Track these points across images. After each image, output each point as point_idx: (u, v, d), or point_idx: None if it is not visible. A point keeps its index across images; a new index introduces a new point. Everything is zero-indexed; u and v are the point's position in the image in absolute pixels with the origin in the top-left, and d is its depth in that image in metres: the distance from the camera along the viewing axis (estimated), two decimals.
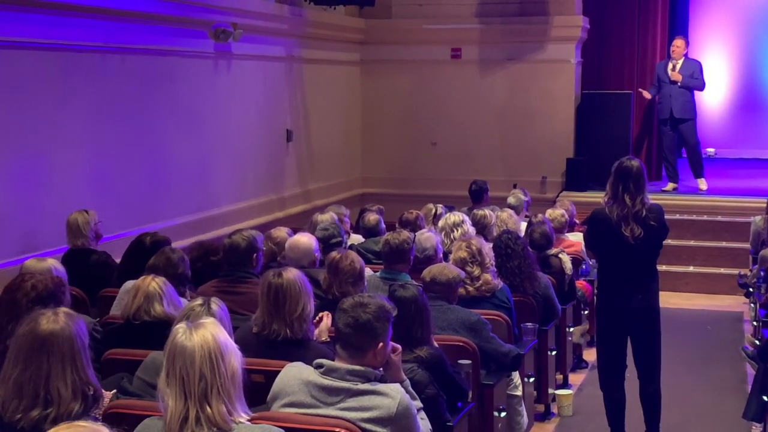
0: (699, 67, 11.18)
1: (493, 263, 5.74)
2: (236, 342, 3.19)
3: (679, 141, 11.36)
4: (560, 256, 6.91)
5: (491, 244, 6.05)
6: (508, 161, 11.88)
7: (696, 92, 11.27)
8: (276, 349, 4.06)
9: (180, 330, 2.90)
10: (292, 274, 4.18)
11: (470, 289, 5.50)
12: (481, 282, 5.53)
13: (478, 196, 9.19)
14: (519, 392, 5.42)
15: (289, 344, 4.08)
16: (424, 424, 3.64)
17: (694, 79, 11.04)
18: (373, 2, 10.46)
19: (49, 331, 3.06)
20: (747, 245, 9.25)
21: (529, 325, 5.61)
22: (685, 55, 11.18)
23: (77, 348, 3.09)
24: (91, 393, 3.09)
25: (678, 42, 11.21)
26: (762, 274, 7.55)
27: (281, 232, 6.42)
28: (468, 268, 5.51)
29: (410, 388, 3.68)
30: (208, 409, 2.82)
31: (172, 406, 2.82)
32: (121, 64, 7.49)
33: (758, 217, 8.71)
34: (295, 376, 3.47)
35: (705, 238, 10.47)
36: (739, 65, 14.53)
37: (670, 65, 11.10)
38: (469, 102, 11.96)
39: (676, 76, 10.92)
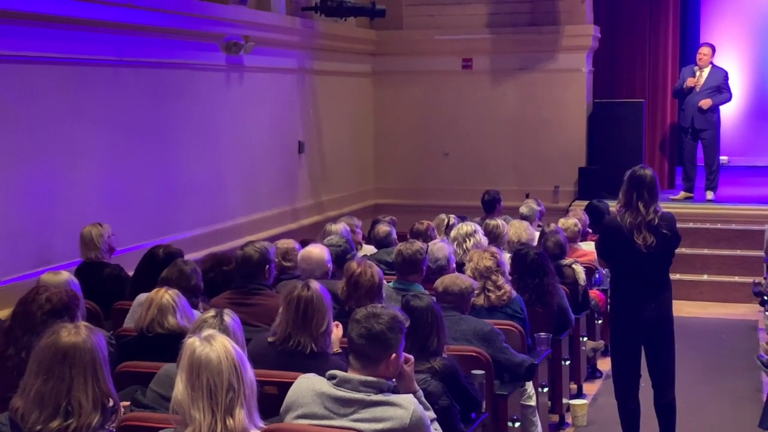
0: (725, 76, 11.00)
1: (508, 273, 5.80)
2: (250, 353, 3.21)
3: (699, 151, 11.25)
4: (574, 266, 6.90)
5: (509, 255, 6.09)
6: (520, 171, 11.88)
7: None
8: (294, 360, 4.07)
9: (197, 342, 2.91)
10: (317, 287, 4.21)
11: (492, 297, 5.53)
12: (503, 291, 5.56)
13: (490, 206, 9.19)
14: (533, 402, 5.41)
15: (308, 356, 4.10)
16: None
17: (720, 95, 10.88)
18: (384, 13, 10.48)
19: (71, 343, 3.09)
20: (761, 253, 9.21)
21: (543, 334, 5.60)
22: (712, 63, 11.09)
23: (98, 360, 3.11)
24: (110, 405, 3.11)
25: (704, 50, 11.06)
26: None
27: (287, 243, 6.42)
28: (493, 277, 5.57)
29: (423, 398, 3.68)
30: (230, 420, 2.83)
31: (199, 419, 2.83)
32: (134, 77, 7.53)
33: None
34: (308, 387, 3.47)
35: (719, 247, 10.42)
36: (752, 73, 14.48)
37: (697, 74, 10.95)
38: (481, 112, 11.97)
39: (705, 103, 10.75)
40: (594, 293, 7.32)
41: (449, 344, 4.54)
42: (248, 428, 2.86)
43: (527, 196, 9.92)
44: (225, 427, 2.82)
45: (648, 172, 5.35)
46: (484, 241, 6.79)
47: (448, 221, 7.96)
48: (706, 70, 11.00)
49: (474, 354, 4.72)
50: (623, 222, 5.29)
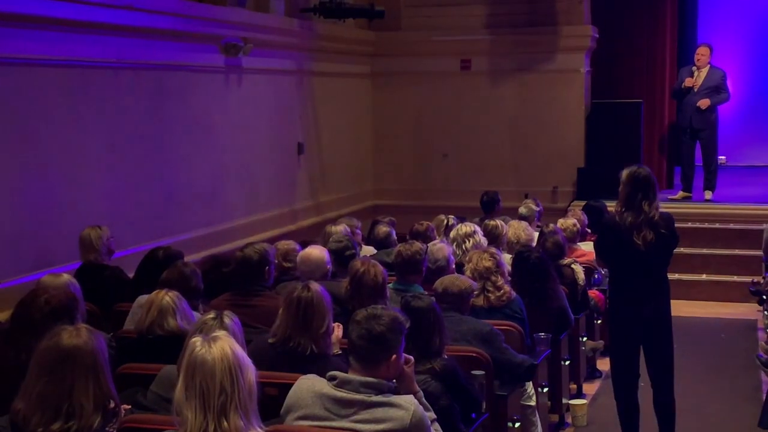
0: (723, 76, 10.96)
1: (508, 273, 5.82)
2: (251, 354, 3.21)
3: (698, 151, 11.25)
4: (573, 266, 6.92)
5: (509, 256, 6.09)
6: (519, 171, 11.89)
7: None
8: (295, 362, 4.08)
9: (197, 343, 2.92)
10: (317, 288, 4.22)
11: (492, 297, 5.54)
12: (502, 291, 5.57)
13: (489, 206, 9.21)
14: (533, 402, 5.42)
15: (308, 357, 4.11)
16: None
17: (719, 95, 10.86)
18: (382, 15, 10.49)
19: (72, 345, 3.10)
20: (760, 252, 9.22)
21: (542, 335, 5.61)
22: (710, 63, 11.02)
23: (99, 362, 3.12)
24: (111, 407, 3.12)
25: (702, 50, 11.01)
26: None
27: (287, 244, 6.44)
28: (493, 278, 5.58)
29: (424, 399, 3.69)
30: (225, 423, 2.83)
31: (191, 419, 2.83)
32: (133, 79, 7.54)
33: None
34: (308, 388, 3.47)
35: (717, 246, 10.43)
36: (750, 72, 14.49)
37: (695, 74, 10.92)
38: (480, 113, 11.97)
39: (704, 103, 10.74)
40: (593, 293, 7.33)
41: (449, 345, 4.55)
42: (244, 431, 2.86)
43: (526, 197, 9.93)
44: (219, 429, 2.82)
45: (647, 171, 5.39)
46: (484, 241, 6.80)
47: (448, 222, 7.97)
48: (704, 70, 10.98)
49: (474, 354, 4.73)
50: (623, 222, 5.29)
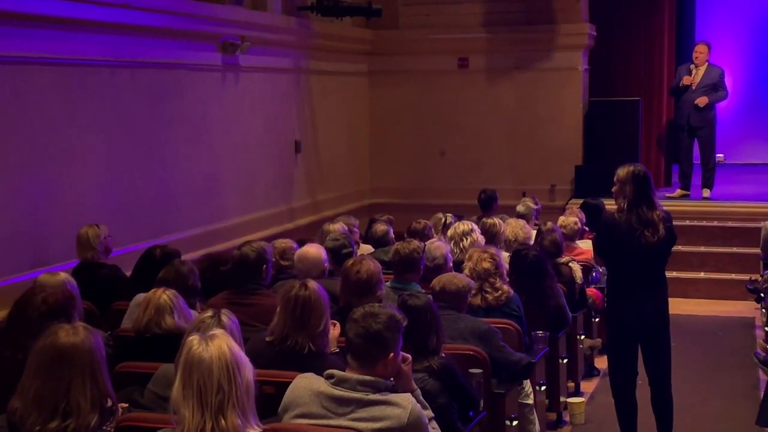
0: (721, 74, 10.97)
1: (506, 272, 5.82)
2: (248, 353, 3.21)
3: (696, 149, 11.24)
4: (570, 264, 6.91)
5: (507, 254, 6.09)
6: (516, 169, 11.89)
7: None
8: (292, 360, 4.07)
9: (195, 341, 2.92)
10: (315, 286, 4.22)
11: (489, 298, 5.54)
12: (500, 292, 5.57)
13: (487, 204, 9.20)
14: (530, 401, 5.42)
15: (305, 356, 4.10)
16: None
17: (717, 93, 10.87)
18: (380, 13, 10.49)
19: (69, 344, 3.10)
20: (758, 250, 9.23)
21: (540, 333, 5.61)
22: (708, 60, 11.05)
23: (96, 360, 3.12)
24: (108, 405, 3.11)
25: (700, 48, 11.03)
26: None
27: (284, 242, 6.44)
28: (491, 279, 5.58)
29: (421, 397, 3.68)
30: (223, 421, 2.83)
31: (188, 417, 2.83)
32: (130, 78, 7.52)
33: None
34: (306, 387, 3.47)
35: (715, 244, 10.43)
36: (747, 70, 14.50)
37: (693, 71, 10.93)
38: (477, 111, 11.97)
39: (702, 100, 10.76)
40: (591, 291, 7.33)
41: (447, 343, 4.54)
42: (241, 430, 2.86)
43: (524, 195, 9.93)
44: (216, 428, 2.82)
45: (645, 169, 5.40)
46: (481, 239, 6.80)
47: (445, 220, 7.97)
48: (702, 68, 10.99)
49: (471, 353, 4.73)
50: (623, 220, 5.28)
